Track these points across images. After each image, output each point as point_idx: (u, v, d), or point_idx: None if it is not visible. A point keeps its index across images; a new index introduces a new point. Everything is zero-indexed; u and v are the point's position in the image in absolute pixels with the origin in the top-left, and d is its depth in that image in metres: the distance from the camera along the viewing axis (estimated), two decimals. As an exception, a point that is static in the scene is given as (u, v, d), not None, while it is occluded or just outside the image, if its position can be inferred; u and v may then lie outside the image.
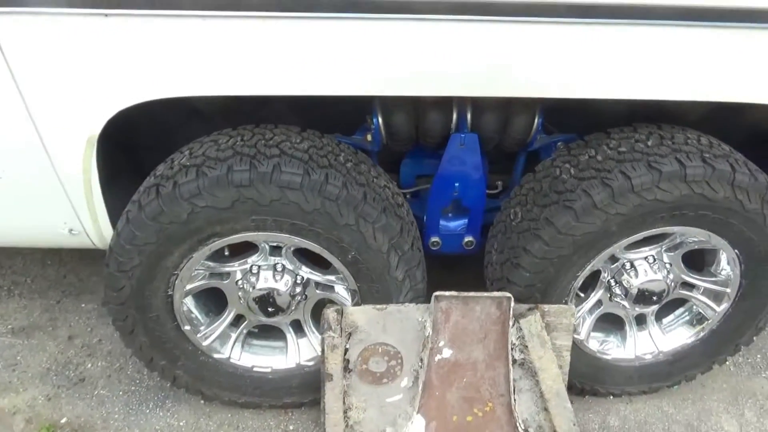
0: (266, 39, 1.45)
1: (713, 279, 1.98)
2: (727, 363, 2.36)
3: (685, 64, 1.53)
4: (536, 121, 1.95)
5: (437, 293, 1.81)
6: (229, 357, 1.97)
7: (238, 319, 1.97)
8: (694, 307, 2.10)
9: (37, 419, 2.03)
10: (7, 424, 2.00)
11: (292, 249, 1.81)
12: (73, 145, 1.62)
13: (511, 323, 1.84)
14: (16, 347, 2.30)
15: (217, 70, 1.51)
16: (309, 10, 1.40)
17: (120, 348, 2.32)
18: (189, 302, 1.88)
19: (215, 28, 1.43)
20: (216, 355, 1.95)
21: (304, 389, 2.03)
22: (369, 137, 1.99)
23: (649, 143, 1.75)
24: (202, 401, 2.10)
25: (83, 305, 2.53)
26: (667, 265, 1.95)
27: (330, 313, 1.80)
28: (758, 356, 2.43)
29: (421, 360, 1.86)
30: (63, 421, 2.03)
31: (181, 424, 2.04)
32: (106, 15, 1.39)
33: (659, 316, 2.13)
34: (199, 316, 1.93)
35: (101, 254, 2.80)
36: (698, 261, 2.02)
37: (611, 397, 2.19)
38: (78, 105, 1.55)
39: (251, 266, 1.85)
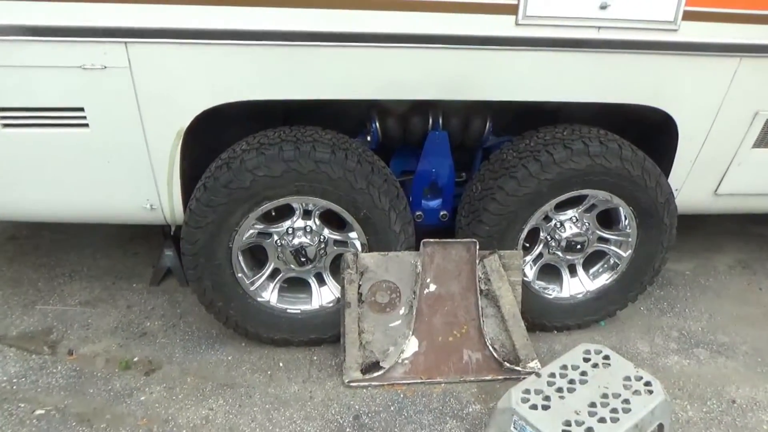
0: (306, 60, 2.20)
1: (619, 232, 2.75)
2: (641, 308, 3.12)
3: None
4: (488, 124, 2.74)
5: (425, 240, 2.51)
6: (269, 300, 2.60)
7: (274, 273, 2.61)
8: (611, 258, 2.86)
9: (113, 359, 2.57)
10: (91, 363, 2.54)
11: (318, 213, 2.49)
12: (167, 135, 2.29)
13: (477, 262, 2.55)
14: (86, 314, 2.85)
15: (269, 81, 2.23)
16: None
17: (171, 312, 2.91)
18: (239, 257, 2.51)
19: (271, 53, 2.16)
20: (259, 299, 2.57)
21: (325, 327, 2.64)
22: (369, 138, 2.74)
23: (565, 133, 2.55)
24: (243, 343, 2.70)
25: (134, 285, 3.11)
26: (586, 223, 2.72)
27: (349, 255, 2.47)
28: (665, 303, 3.19)
29: (414, 293, 2.53)
30: (135, 359, 2.58)
31: (229, 358, 2.62)
32: (215, 44, 2.12)
33: (586, 267, 2.87)
34: (245, 269, 2.56)
35: (142, 248, 3.42)
36: (608, 222, 2.80)
37: (555, 331, 2.89)
38: (174, 105, 2.23)
39: (287, 228, 2.52)
